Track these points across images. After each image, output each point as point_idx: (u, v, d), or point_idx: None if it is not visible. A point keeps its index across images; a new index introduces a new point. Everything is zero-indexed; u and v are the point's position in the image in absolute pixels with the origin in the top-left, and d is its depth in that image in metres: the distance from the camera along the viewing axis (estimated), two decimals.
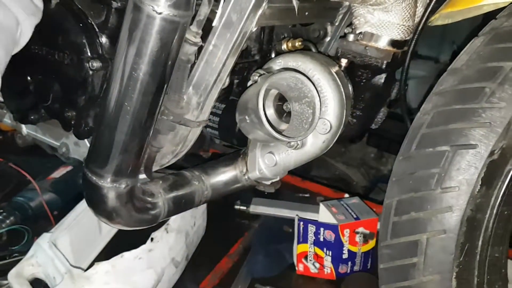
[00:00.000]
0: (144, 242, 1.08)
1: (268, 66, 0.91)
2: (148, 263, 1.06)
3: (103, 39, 0.84)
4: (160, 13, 0.65)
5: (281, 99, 0.90)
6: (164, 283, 1.11)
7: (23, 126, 1.15)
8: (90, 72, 0.84)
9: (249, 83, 0.90)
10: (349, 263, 1.23)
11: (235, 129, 1.07)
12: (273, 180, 1.00)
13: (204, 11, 0.78)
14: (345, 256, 1.22)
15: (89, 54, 0.84)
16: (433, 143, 0.70)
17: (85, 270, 1.02)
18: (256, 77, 0.86)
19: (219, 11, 0.79)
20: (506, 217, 0.70)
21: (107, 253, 1.19)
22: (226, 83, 0.90)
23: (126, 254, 1.03)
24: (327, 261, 1.23)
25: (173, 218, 1.15)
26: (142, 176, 0.90)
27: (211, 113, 1.05)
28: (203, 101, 0.87)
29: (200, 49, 0.83)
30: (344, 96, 0.87)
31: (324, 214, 1.24)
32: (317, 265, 1.24)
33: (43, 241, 1.11)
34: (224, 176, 0.99)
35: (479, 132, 0.66)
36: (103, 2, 0.84)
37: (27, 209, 1.36)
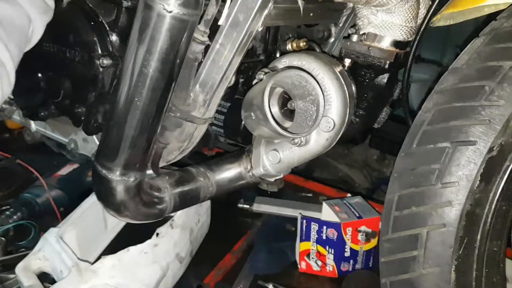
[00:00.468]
0: (149, 238, 1.10)
1: (273, 65, 0.93)
2: (153, 258, 1.07)
3: (113, 37, 0.87)
4: (170, 12, 0.67)
5: (285, 98, 0.92)
6: (168, 278, 1.13)
7: (32, 122, 1.17)
8: (100, 69, 0.86)
9: (255, 81, 0.92)
10: (351, 261, 1.25)
11: (240, 127, 1.09)
12: (277, 177, 1.02)
13: (211, 10, 0.80)
14: (347, 254, 1.24)
15: (99, 51, 0.86)
16: (433, 140, 0.72)
17: (92, 264, 1.04)
18: (262, 76, 0.88)
19: (226, 11, 0.81)
20: (505, 212, 0.72)
21: (113, 248, 1.21)
22: (232, 82, 0.92)
23: (132, 249, 1.05)
24: (329, 259, 1.24)
25: (178, 214, 1.17)
26: (149, 171, 0.92)
27: (217, 111, 1.07)
28: (210, 99, 0.89)
29: (207, 48, 0.85)
30: (347, 95, 0.89)
31: (327, 213, 1.26)
32: (320, 263, 1.26)
33: (50, 235, 1.13)
34: (228, 172, 1.01)
35: (478, 129, 0.68)
36: (114, 2, 0.87)
37: (34, 205, 1.39)
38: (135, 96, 0.73)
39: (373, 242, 1.25)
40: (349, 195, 1.52)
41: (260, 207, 1.50)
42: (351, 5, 1.04)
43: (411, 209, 0.72)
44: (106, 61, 0.85)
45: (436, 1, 0.85)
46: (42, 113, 1.02)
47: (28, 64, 0.82)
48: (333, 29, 1.11)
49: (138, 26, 0.69)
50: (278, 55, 1.06)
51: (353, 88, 0.94)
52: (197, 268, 1.24)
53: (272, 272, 1.25)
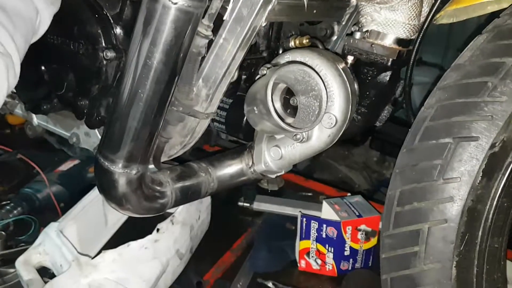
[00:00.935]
0: (150, 234, 1.10)
1: (276, 61, 0.93)
2: (154, 253, 1.07)
3: (118, 30, 0.87)
4: (175, 3, 0.67)
5: (287, 95, 0.92)
6: (168, 274, 1.13)
7: (34, 116, 1.17)
8: (104, 62, 0.87)
9: (258, 76, 0.92)
10: (351, 260, 1.25)
11: (242, 123, 1.10)
12: (278, 174, 1.02)
13: (215, 5, 0.80)
14: (347, 253, 1.24)
15: (103, 44, 0.86)
16: (436, 136, 0.72)
17: (92, 258, 1.04)
18: (265, 71, 0.88)
19: (230, 6, 0.82)
20: (506, 208, 0.72)
21: (113, 243, 1.20)
22: (235, 77, 0.92)
23: (132, 244, 1.05)
24: (329, 257, 1.24)
25: (178, 210, 1.17)
26: (151, 166, 0.92)
27: (219, 107, 1.07)
28: (212, 94, 0.89)
29: (210, 42, 0.85)
30: (350, 92, 0.89)
31: (327, 211, 1.26)
32: (319, 261, 1.25)
33: (51, 230, 1.13)
34: (230, 168, 1.01)
35: (481, 125, 0.68)
36: None
37: (34, 200, 1.39)
38: (139, 88, 0.73)
39: (373, 241, 1.25)
40: (349, 194, 1.53)
41: (261, 205, 1.50)
42: (354, 3, 1.04)
43: (412, 204, 0.72)
44: (110, 54, 0.86)
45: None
46: (44, 107, 1.03)
47: (32, 57, 0.82)
48: (336, 27, 1.11)
49: (143, 18, 0.70)
50: (281, 52, 1.06)
51: (356, 85, 0.94)
52: (197, 264, 1.24)
53: (271, 270, 1.25)
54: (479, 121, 0.68)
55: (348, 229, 1.22)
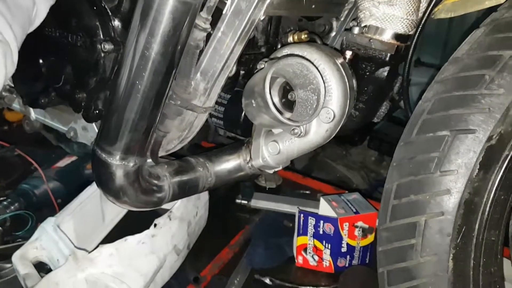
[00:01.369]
0: (147, 229, 1.09)
1: (274, 55, 0.93)
2: (151, 248, 1.07)
3: (116, 23, 0.87)
4: None
5: (285, 90, 0.92)
6: (165, 269, 1.13)
7: (31, 110, 1.17)
8: (102, 55, 0.87)
9: (256, 70, 0.92)
10: (348, 256, 1.25)
11: (240, 119, 1.10)
12: (276, 169, 1.02)
13: None
14: (344, 249, 1.24)
15: (101, 36, 0.86)
16: (433, 128, 0.72)
17: (89, 253, 1.04)
18: (263, 65, 0.88)
19: None
20: (503, 201, 0.72)
21: (110, 238, 1.21)
22: (233, 71, 0.92)
23: (129, 238, 1.05)
24: (326, 254, 1.24)
25: (176, 206, 1.17)
26: (148, 160, 0.92)
27: (217, 103, 1.07)
28: (210, 88, 0.89)
29: (208, 36, 0.85)
30: (348, 87, 0.89)
31: (324, 208, 1.26)
32: (316, 257, 1.25)
33: (48, 224, 1.13)
34: (228, 164, 1.01)
35: (478, 117, 0.68)
36: None
37: (31, 196, 1.39)
38: (136, 79, 0.73)
39: (370, 238, 1.25)
40: (347, 192, 1.53)
41: (258, 203, 1.50)
42: None
43: (409, 197, 0.72)
44: (108, 46, 0.85)
45: None
46: (42, 101, 1.02)
47: (29, 49, 0.82)
48: (334, 23, 1.11)
49: (141, 8, 0.70)
50: (279, 47, 1.06)
51: (354, 80, 0.94)
52: (194, 260, 1.24)
53: (269, 266, 1.26)
54: (476, 114, 0.68)
55: (345, 225, 1.22)
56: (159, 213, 1.13)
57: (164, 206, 1.02)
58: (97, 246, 1.05)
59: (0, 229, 1.26)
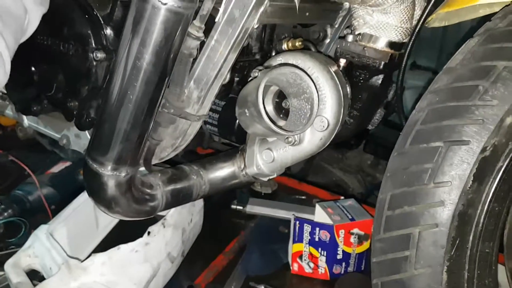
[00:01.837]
0: (141, 237, 1.09)
1: (268, 63, 0.93)
2: (145, 257, 1.06)
3: (108, 31, 0.86)
4: (165, 4, 0.67)
5: (280, 97, 0.92)
6: (159, 278, 1.12)
7: (24, 117, 1.16)
8: (94, 63, 0.86)
9: (250, 79, 0.91)
10: (343, 263, 1.24)
11: (234, 126, 1.09)
12: (270, 177, 1.01)
13: (207, 6, 0.80)
14: (339, 256, 1.23)
15: (93, 45, 0.86)
16: (427, 139, 0.71)
17: (82, 262, 1.03)
18: (257, 73, 0.88)
19: (222, 7, 0.81)
20: (497, 213, 0.71)
21: (104, 246, 1.20)
22: (227, 79, 0.92)
23: (122, 247, 1.04)
24: (322, 261, 1.24)
25: (170, 213, 1.16)
26: (142, 168, 0.91)
27: (211, 109, 1.07)
28: (204, 96, 0.88)
29: (202, 44, 0.84)
30: (342, 95, 0.89)
31: (320, 215, 1.25)
32: (312, 265, 1.25)
33: (41, 232, 1.12)
34: (222, 171, 1.00)
35: (472, 128, 0.68)
36: None
37: (25, 202, 1.38)
38: (128, 89, 0.73)
39: (366, 245, 1.24)
40: (342, 198, 1.52)
41: (254, 208, 1.49)
42: (347, 6, 1.04)
43: (403, 208, 0.72)
44: (100, 55, 0.85)
45: (431, 2, 0.85)
46: (34, 108, 1.02)
47: (21, 57, 0.81)
48: (328, 30, 1.11)
49: (132, 18, 0.69)
50: (273, 54, 1.06)
51: (348, 88, 0.94)
52: (189, 268, 1.23)
53: (264, 273, 1.25)
54: (470, 125, 0.68)
55: (341, 232, 1.21)
56: (153, 220, 1.12)
57: (159, 213, 1.01)
58: (90, 255, 1.04)
59: None
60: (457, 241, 0.69)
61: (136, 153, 0.81)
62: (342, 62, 0.96)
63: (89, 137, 1.05)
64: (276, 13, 0.87)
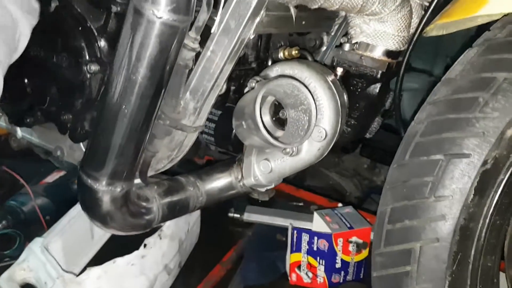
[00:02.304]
0: (137, 248, 1.07)
1: (265, 73, 0.92)
2: (141, 270, 1.05)
3: (102, 43, 0.85)
4: (160, 18, 0.65)
5: (277, 107, 0.91)
6: None
7: (18, 129, 1.14)
8: (88, 76, 0.84)
9: (246, 89, 0.90)
10: (342, 272, 1.23)
11: (231, 135, 1.07)
12: (268, 187, 1.00)
13: (202, 17, 0.78)
14: (338, 265, 1.22)
15: (87, 57, 0.84)
16: (427, 152, 0.70)
17: (77, 275, 1.01)
18: (253, 84, 0.87)
19: (217, 18, 0.80)
20: (499, 226, 0.70)
21: (99, 258, 1.18)
22: (223, 89, 0.91)
23: (118, 260, 1.03)
24: (320, 270, 1.23)
25: (167, 224, 1.14)
26: (137, 180, 0.90)
27: (207, 119, 1.05)
28: (200, 107, 0.87)
29: (198, 54, 0.83)
30: (339, 105, 0.88)
31: (318, 223, 1.25)
32: (310, 274, 1.24)
33: (35, 245, 1.10)
34: (219, 182, 0.99)
35: (472, 141, 0.67)
36: (103, 6, 0.85)
37: (19, 213, 1.36)
38: (123, 103, 0.71)
39: (364, 253, 1.23)
40: (340, 204, 1.51)
41: (251, 216, 1.48)
42: (343, 13, 1.03)
43: (403, 222, 0.71)
44: (94, 67, 0.83)
45: (429, 11, 0.84)
46: (28, 120, 1.00)
47: (14, 69, 0.79)
48: (325, 38, 1.10)
49: (127, 32, 0.68)
50: (270, 63, 1.05)
51: (345, 97, 0.93)
52: (186, 279, 1.22)
53: (262, 283, 1.24)
54: (470, 138, 0.67)
55: (340, 241, 1.20)
56: (149, 231, 1.11)
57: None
58: (85, 268, 1.02)
59: None
60: (459, 256, 0.68)
61: (132, 167, 0.79)
62: (339, 71, 0.95)
63: (83, 148, 1.03)
64: (272, 23, 0.86)
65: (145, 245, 1.07)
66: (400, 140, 0.79)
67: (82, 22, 0.84)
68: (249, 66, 1.04)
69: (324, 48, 1.10)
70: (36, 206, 1.36)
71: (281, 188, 1.68)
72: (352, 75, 0.96)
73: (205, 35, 0.82)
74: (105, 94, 0.72)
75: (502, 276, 0.84)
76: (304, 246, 1.21)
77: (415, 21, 0.91)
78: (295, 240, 1.22)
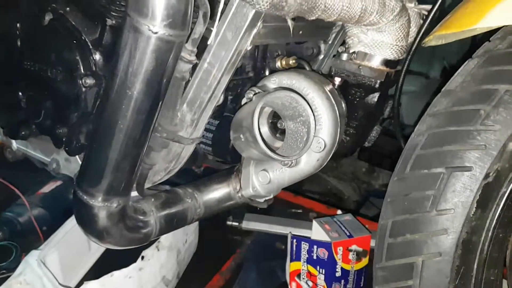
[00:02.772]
0: (135, 260, 1.06)
1: (262, 83, 0.91)
2: (139, 282, 1.04)
3: (97, 56, 0.84)
4: (156, 33, 0.64)
5: (275, 117, 0.90)
6: None
7: (13, 141, 1.13)
8: (83, 89, 0.83)
9: (244, 100, 0.89)
10: (342, 281, 1.22)
11: (229, 145, 1.06)
12: (267, 198, 0.99)
13: (199, 29, 0.77)
14: (338, 274, 1.21)
15: (82, 71, 0.83)
16: (428, 165, 0.70)
17: None
18: (251, 95, 0.86)
19: (214, 30, 0.79)
20: (501, 239, 0.70)
21: (96, 271, 1.17)
22: (221, 101, 0.90)
23: (116, 273, 1.01)
24: (320, 279, 1.21)
25: (164, 235, 1.13)
26: (134, 193, 0.89)
27: (205, 129, 1.04)
28: (197, 118, 0.86)
29: (194, 66, 0.82)
30: (338, 115, 0.87)
31: (317, 232, 1.23)
32: (310, 283, 1.23)
33: (32, 258, 1.08)
34: (217, 193, 0.98)
35: (474, 154, 0.66)
36: (97, 19, 0.84)
37: (15, 224, 1.34)
38: (119, 118, 0.70)
39: (364, 261, 1.22)
40: (339, 211, 1.50)
41: (250, 224, 1.47)
42: (340, 22, 1.02)
43: (405, 236, 0.70)
44: (89, 81, 0.82)
45: (428, 20, 0.83)
46: (23, 132, 0.99)
47: (9, 82, 0.78)
48: (322, 46, 1.09)
49: (122, 47, 0.67)
50: (267, 72, 1.04)
51: (344, 107, 0.92)
52: None
53: None
54: (472, 151, 0.66)
55: (339, 249, 1.19)
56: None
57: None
58: (82, 282, 1.01)
59: None
60: (462, 270, 0.67)
61: (128, 182, 0.78)
62: (337, 80, 0.95)
63: (79, 161, 1.02)
64: (269, 34, 0.85)
65: (142, 257, 1.05)
66: (399, 145, 0.78)
67: (77, 35, 0.83)
68: (246, 75, 1.03)
69: (321, 57, 1.10)
70: (33, 217, 1.34)
71: (279, 195, 1.66)
72: (350, 84, 0.95)
73: (201, 46, 0.81)
74: (101, 110, 0.71)
75: (504, 281, 0.84)
76: (304, 254, 1.20)
77: (413, 30, 0.90)
78: (294, 248, 1.21)
